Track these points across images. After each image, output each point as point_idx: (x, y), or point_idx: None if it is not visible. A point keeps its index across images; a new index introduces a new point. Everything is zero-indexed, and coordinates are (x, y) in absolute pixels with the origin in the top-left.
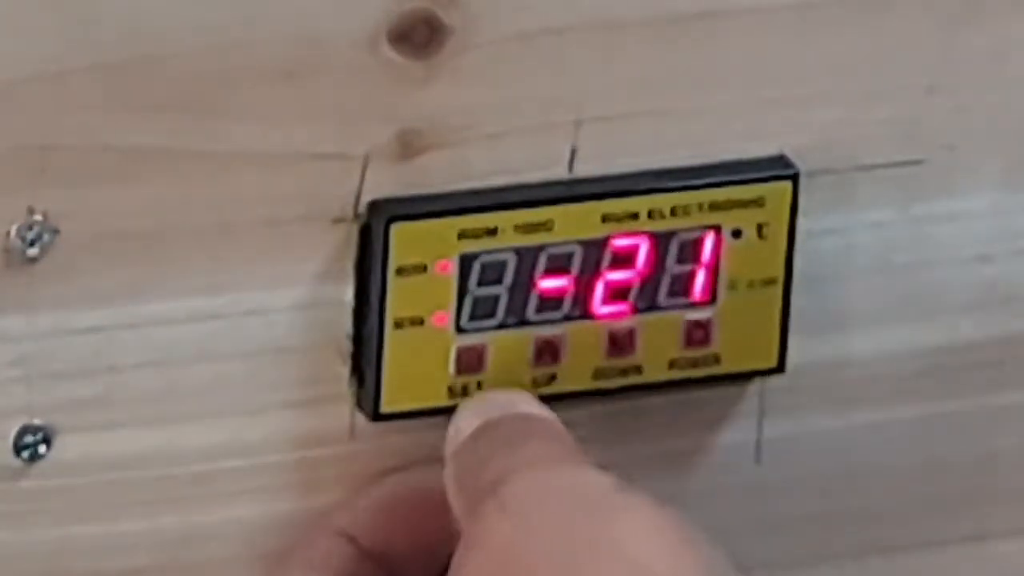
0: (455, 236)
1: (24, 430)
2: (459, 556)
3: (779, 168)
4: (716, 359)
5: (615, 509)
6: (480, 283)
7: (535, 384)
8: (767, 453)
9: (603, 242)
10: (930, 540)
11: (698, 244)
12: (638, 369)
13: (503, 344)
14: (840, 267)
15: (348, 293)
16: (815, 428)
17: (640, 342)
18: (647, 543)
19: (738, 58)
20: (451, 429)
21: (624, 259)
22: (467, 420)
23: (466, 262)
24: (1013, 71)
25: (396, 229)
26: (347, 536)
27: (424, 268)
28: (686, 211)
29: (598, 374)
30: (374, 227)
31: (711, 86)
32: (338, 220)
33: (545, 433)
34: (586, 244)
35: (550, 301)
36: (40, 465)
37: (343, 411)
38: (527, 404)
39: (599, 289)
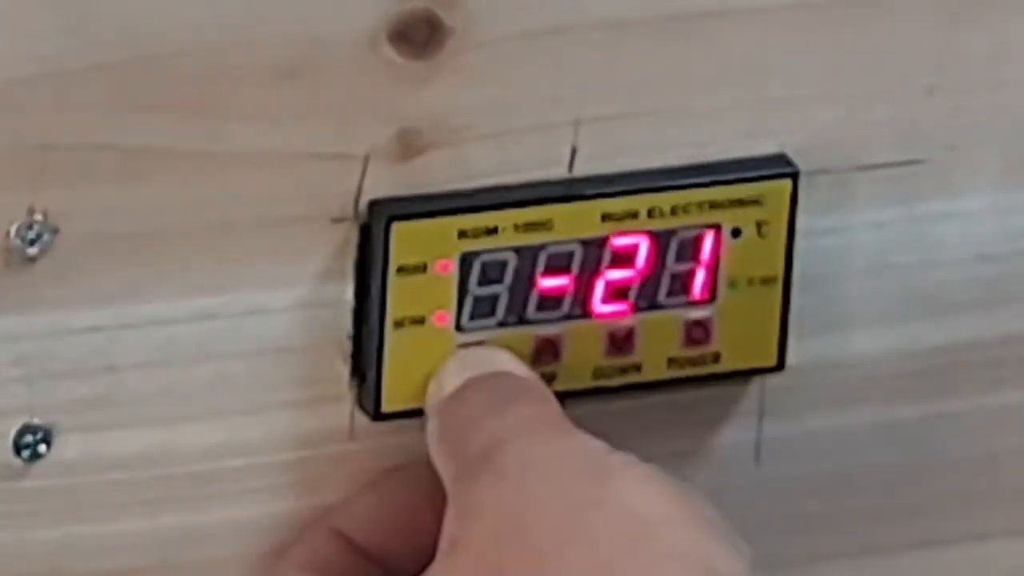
0: (455, 235)
1: (24, 430)
2: (453, 525)
3: (779, 167)
4: (716, 358)
5: (611, 469)
6: (480, 282)
7: None
8: (767, 453)
9: (603, 241)
10: (930, 540)
11: (698, 243)
12: (638, 368)
13: (503, 343)
14: (840, 267)
15: (348, 293)
16: (815, 428)
17: (640, 341)
18: (646, 497)
19: (738, 58)
20: (432, 384)
21: (624, 258)
22: (449, 376)
23: (466, 261)
24: (1013, 71)
25: (396, 229)
26: (343, 536)
27: (424, 267)
28: (686, 210)
29: (598, 373)
30: (374, 227)
31: (711, 86)
32: (338, 220)
33: (529, 393)
34: (586, 243)
35: (550, 300)
36: (40, 465)
37: (343, 411)
38: (508, 362)
39: (599, 288)
